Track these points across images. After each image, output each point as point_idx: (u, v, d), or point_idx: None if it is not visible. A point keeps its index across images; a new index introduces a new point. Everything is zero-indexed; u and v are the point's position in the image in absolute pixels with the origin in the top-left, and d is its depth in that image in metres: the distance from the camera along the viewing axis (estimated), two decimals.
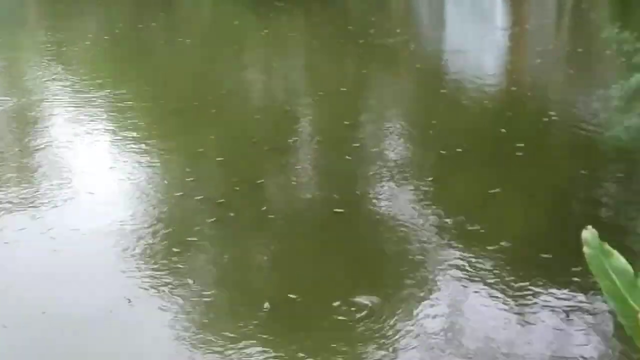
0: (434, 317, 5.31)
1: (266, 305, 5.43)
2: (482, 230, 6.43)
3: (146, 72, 12.76)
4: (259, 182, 7.72)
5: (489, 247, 6.12)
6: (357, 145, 8.76)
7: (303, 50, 14.29)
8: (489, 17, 18.90)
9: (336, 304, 5.42)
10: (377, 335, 5.11)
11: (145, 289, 5.70)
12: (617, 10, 16.13)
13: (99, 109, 10.12)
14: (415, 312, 5.36)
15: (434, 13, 19.44)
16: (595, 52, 13.21)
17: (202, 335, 5.17)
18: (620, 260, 2.35)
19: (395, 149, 8.59)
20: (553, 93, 11.13)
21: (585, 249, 2.35)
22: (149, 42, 15.34)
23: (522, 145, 8.16)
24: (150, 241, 6.39)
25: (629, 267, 2.35)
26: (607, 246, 2.33)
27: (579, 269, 5.48)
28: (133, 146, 8.67)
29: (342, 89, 10.94)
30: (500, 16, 19.14)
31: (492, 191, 7.23)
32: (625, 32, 7.67)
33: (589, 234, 2.34)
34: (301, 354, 4.93)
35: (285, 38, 15.27)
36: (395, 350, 4.95)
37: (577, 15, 17.34)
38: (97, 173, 8.11)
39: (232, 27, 16.37)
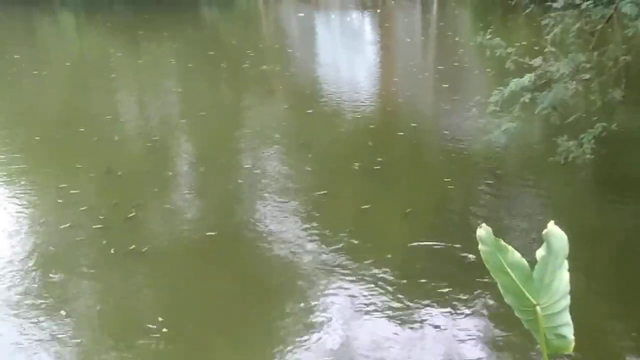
0: (327, 330, 5.26)
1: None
2: (361, 244, 6.46)
3: (11, 104, 12.33)
4: (129, 216, 7.41)
5: (370, 260, 6.14)
6: (235, 168, 8.70)
7: (183, 78, 13.99)
8: (359, 32, 19.27)
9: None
10: (273, 350, 5.05)
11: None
12: (479, 23, 16.72)
13: None
14: (307, 326, 5.31)
15: (306, 31, 19.63)
16: (466, 61, 13.61)
17: None
18: (515, 255, 2.35)
19: (270, 169, 8.49)
20: (427, 104, 11.41)
21: (480, 247, 2.34)
22: (13, 74, 14.78)
23: (390, 156, 8.26)
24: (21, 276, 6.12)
25: (524, 261, 2.35)
26: (502, 242, 2.33)
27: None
28: None
29: (218, 114, 10.91)
30: (369, 32, 19.54)
31: (364, 207, 7.24)
32: (496, 38, 7.91)
33: (483, 231, 2.33)
34: None
35: (163, 67, 15.01)
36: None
37: (443, 28, 17.87)
38: None
39: (107, 56, 16.00)
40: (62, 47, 18.71)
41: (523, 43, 10.35)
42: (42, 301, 5.73)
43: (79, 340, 5.26)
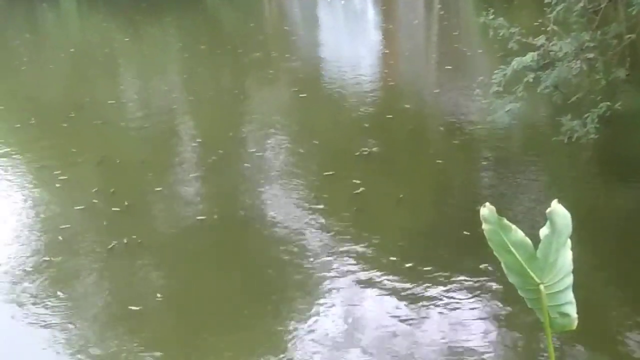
0: (333, 312, 5.28)
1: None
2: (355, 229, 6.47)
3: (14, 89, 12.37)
4: (126, 204, 7.43)
5: (365, 243, 6.16)
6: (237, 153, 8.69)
7: (186, 63, 13.87)
8: (361, 15, 19.19)
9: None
10: (279, 331, 5.06)
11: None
12: (481, 3, 16.62)
13: None
14: (312, 309, 5.33)
15: (306, 15, 19.54)
16: (469, 42, 13.54)
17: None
18: (518, 233, 2.34)
19: (266, 153, 8.51)
20: (429, 86, 11.36)
21: (484, 226, 2.33)
22: (15, 60, 14.77)
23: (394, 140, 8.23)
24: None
25: (528, 240, 2.34)
26: (505, 221, 2.32)
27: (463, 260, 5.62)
28: None
29: (219, 100, 10.94)
30: (369, 14, 19.45)
31: (357, 191, 7.21)
32: (499, 18, 7.88)
33: (487, 210, 2.32)
34: None
35: (166, 52, 14.95)
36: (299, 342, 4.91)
37: (444, 9, 17.73)
38: None
39: (109, 41, 15.95)
40: (63, 33, 18.67)
41: (526, 23, 10.28)
42: (36, 284, 5.81)
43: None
